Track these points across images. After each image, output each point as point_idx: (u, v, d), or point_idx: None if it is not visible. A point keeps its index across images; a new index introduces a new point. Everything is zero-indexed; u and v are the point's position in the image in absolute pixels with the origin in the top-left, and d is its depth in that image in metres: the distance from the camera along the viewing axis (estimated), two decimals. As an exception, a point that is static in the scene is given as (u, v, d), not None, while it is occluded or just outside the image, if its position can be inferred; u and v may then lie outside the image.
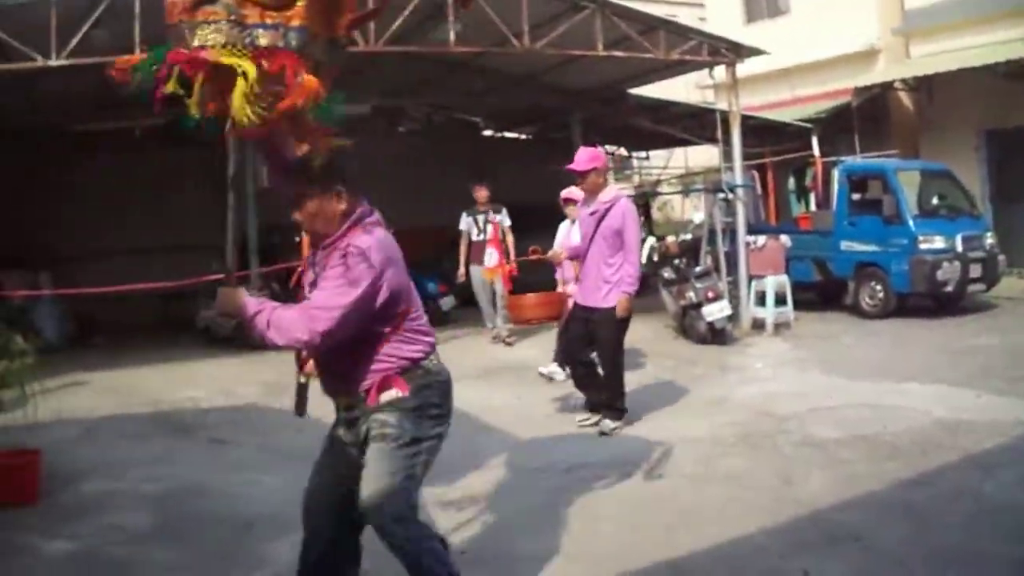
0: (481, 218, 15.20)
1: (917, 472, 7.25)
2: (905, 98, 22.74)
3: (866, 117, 21.85)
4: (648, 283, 18.47)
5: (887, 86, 21.82)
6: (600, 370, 9.65)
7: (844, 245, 16.32)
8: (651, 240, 16.58)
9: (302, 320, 4.18)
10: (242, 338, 15.38)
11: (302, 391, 4.63)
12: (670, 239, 16.03)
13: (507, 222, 15.09)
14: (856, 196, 16.76)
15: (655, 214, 28.91)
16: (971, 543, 5.77)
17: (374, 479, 4.32)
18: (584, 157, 9.20)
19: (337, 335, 4.23)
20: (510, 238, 14.95)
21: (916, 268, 15.19)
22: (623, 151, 29.72)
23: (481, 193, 15.17)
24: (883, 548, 5.72)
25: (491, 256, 14.83)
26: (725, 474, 7.47)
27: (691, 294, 13.93)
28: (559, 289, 12.27)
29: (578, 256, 9.62)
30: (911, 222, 15.49)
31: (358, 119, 15.35)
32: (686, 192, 25.79)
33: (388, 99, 20.44)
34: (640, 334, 14.87)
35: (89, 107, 15.60)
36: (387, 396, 4.38)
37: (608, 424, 9.08)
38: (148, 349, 15.87)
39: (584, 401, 9.63)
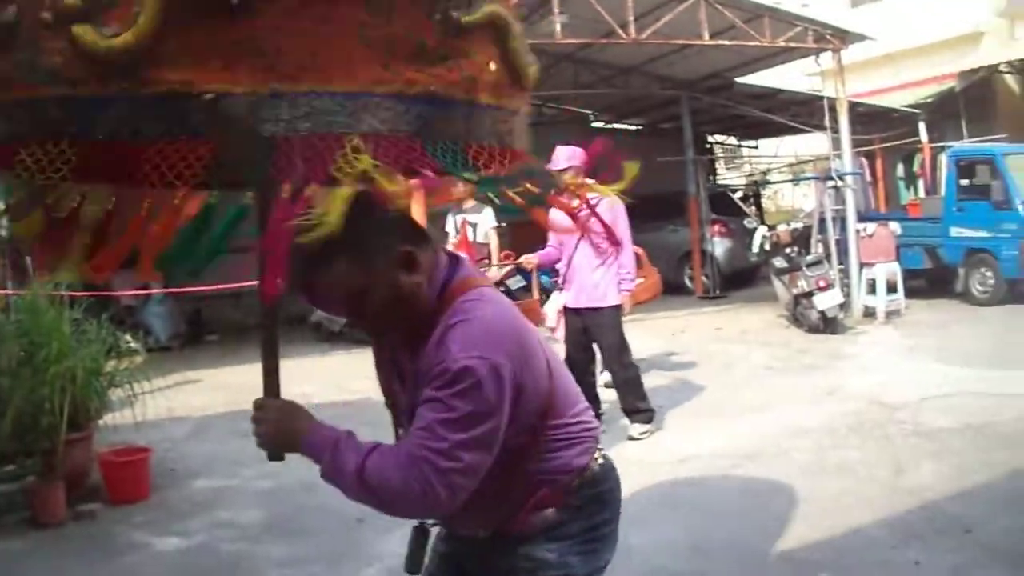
0: (459, 218, 13.12)
1: (1029, 462, 7.21)
2: (1012, 81, 22.53)
3: (972, 101, 21.66)
4: (759, 272, 18.64)
5: (992, 69, 21.61)
6: (604, 378, 9.66)
7: (953, 231, 16.20)
8: (762, 229, 16.56)
9: (413, 482, 2.48)
10: (353, 333, 15.80)
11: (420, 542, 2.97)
12: (781, 228, 15.97)
13: (491, 223, 12.95)
14: (965, 182, 16.61)
15: (765, 203, 28.87)
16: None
17: None
18: (562, 156, 8.36)
19: (470, 487, 2.51)
20: (494, 241, 13.02)
21: (1026, 253, 15.03)
22: (733, 140, 29.73)
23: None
24: (994, 540, 5.74)
25: None
26: (838, 464, 7.52)
27: (803, 283, 13.93)
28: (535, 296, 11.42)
29: (550, 262, 9.21)
30: (1020, 207, 15.29)
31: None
32: (796, 181, 25.72)
33: (496, 93, 20.68)
34: (752, 323, 15.12)
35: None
36: (541, 520, 2.74)
37: (638, 428, 8.74)
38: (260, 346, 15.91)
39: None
